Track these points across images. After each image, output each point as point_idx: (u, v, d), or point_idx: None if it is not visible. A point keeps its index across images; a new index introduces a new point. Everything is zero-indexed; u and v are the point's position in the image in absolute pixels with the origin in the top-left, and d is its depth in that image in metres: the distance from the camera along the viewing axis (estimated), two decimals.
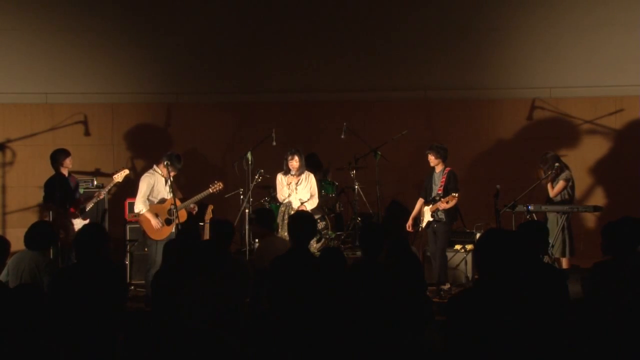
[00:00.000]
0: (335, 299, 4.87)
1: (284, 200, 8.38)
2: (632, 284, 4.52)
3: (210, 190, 8.03)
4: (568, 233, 8.23)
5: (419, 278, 5.54)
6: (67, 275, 4.92)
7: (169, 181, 7.99)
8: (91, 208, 8.38)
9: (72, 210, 8.06)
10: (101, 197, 8.31)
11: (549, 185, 8.36)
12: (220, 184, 8.08)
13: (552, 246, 8.02)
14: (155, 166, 8.14)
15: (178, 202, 7.74)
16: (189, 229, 6.13)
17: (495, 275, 3.71)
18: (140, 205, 7.92)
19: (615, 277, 4.58)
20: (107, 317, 4.69)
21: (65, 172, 8.24)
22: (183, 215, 7.83)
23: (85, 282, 4.73)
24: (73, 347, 4.39)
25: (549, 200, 8.43)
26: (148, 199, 7.97)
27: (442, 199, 8.01)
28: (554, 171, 8.28)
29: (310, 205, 8.34)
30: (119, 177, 8.31)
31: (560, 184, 8.32)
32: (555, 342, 4.16)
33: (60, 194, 8.07)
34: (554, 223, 8.20)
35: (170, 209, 7.85)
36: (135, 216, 8.24)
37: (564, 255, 8.20)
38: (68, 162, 8.24)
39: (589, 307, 4.53)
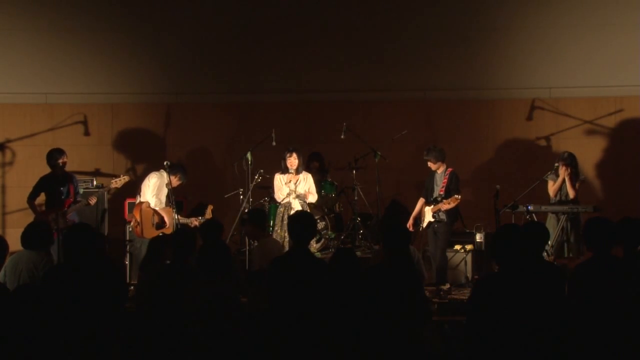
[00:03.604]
0: (337, 300, 4.87)
1: (282, 199, 8.36)
2: (609, 283, 4.54)
3: (195, 222, 8.12)
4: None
5: (415, 278, 5.53)
6: (55, 275, 4.85)
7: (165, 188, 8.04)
8: (91, 208, 8.38)
9: (47, 211, 8.07)
10: (92, 203, 8.24)
11: (568, 186, 8.26)
12: (200, 219, 8.13)
13: (553, 246, 8.02)
14: (162, 170, 8.16)
15: (171, 216, 7.83)
16: (186, 232, 6.11)
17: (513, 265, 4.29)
18: (155, 200, 7.91)
19: (593, 277, 4.59)
20: (106, 317, 4.68)
21: (58, 171, 8.24)
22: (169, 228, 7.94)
23: (77, 282, 4.67)
24: (72, 347, 4.39)
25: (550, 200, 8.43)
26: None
27: (444, 200, 7.99)
28: (552, 172, 8.29)
29: (310, 199, 8.35)
30: (117, 183, 8.32)
31: (577, 185, 8.31)
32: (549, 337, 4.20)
33: (49, 193, 8.12)
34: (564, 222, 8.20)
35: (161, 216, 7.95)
36: (131, 217, 8.26)
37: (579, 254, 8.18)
38: (60, 161, 8.24)
39: (572, 306, 4.57)
